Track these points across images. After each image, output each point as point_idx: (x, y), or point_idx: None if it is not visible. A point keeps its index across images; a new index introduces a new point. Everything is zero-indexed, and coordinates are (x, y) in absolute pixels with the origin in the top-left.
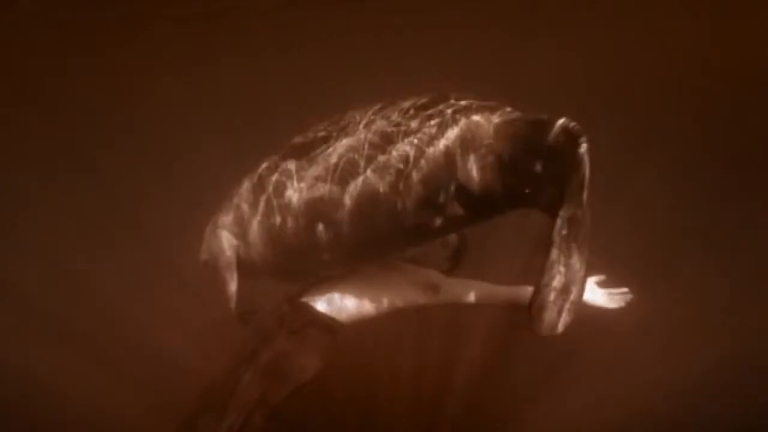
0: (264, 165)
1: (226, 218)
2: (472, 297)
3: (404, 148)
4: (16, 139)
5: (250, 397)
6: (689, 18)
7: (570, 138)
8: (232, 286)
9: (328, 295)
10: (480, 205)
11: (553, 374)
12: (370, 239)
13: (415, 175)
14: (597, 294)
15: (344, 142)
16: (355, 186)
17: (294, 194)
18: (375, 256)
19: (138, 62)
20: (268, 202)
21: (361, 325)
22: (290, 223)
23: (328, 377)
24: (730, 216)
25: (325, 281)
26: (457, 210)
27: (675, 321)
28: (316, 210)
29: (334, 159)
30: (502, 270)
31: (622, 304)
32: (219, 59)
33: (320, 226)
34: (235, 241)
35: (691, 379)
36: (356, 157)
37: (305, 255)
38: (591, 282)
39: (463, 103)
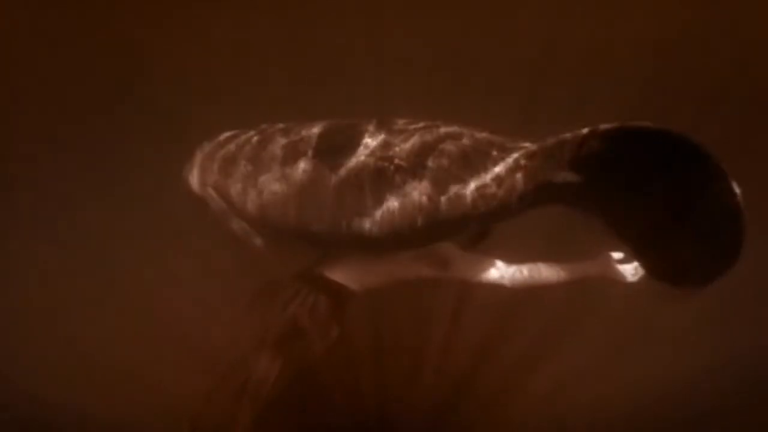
0: (266, 133)
1: (215, 176)
2: (485, 274)
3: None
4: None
5: (266, 373)
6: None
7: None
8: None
9: (338, 265)
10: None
11: (562, 347)
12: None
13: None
14: (617, 269)
15: (393, 147)
16: (400, 196)
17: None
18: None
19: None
20: (275, 177)
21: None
22: (294, 210)
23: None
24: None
25: (331, 255)
26: (491, 221)
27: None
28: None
29: (370, 163)
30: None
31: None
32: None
33: (333, 224)
34: (224, 204)
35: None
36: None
37: (306, 238)
38: (611, 258)
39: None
